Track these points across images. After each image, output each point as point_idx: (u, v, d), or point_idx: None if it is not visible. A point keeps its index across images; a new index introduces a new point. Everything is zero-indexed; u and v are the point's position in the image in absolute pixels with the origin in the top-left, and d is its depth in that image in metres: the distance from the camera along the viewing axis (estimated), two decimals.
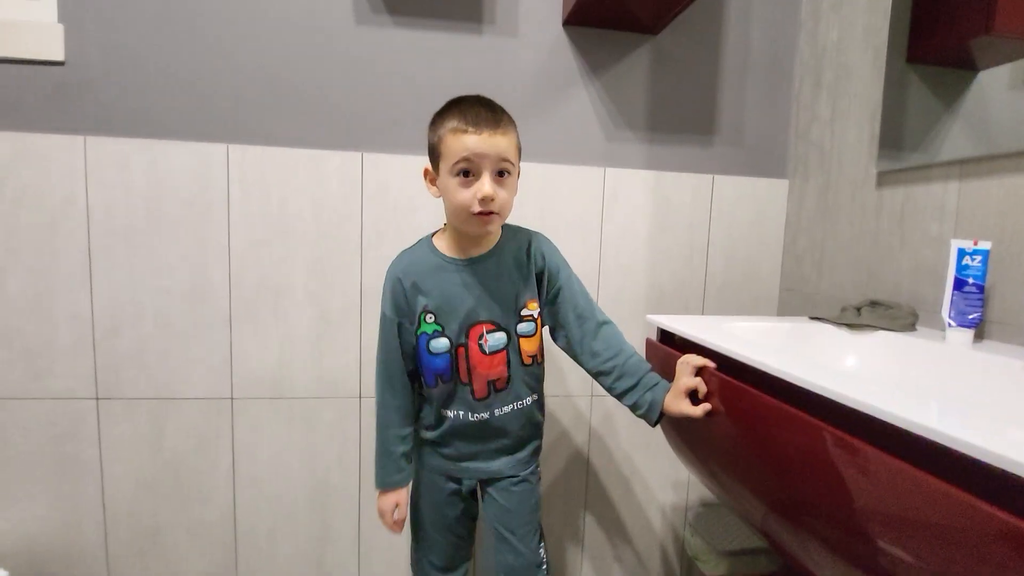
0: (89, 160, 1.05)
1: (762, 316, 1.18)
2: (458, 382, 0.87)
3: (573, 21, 1.15)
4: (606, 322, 0.89)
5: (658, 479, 1.31)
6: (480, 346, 0.86)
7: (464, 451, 0.91)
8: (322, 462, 1.18)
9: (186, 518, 1.15)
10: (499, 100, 0.80)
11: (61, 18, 1.03)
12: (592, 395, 1.26)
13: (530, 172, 1.16)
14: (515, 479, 0.93)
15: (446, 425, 0.89)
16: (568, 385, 1.25)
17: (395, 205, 1.14)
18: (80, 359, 1.08)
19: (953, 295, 0.79)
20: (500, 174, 0.79)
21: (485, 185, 0.77)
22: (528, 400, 0.91)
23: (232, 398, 1.13)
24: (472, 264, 0.86)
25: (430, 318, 0.86)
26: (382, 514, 0.91)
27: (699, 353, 0.78)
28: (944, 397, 0.71)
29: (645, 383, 0.83)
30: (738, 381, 0.68)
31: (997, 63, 0.82)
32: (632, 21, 1.14)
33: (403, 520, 0.91)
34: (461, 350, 0.86)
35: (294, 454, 1.17)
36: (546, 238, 0.92)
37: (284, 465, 1.17)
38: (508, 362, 0.87)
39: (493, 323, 0.86)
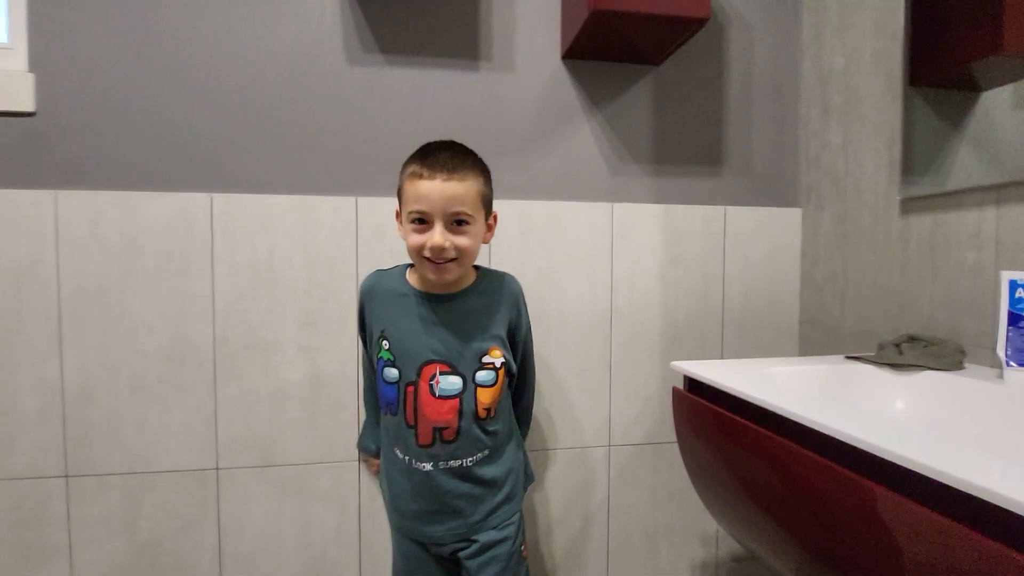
0: (60, 216, 0.97)
1: (793, 358, 1.11)
2: (403, 422, 0.82)
3: (572, 54, 1.11)
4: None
5: (685, 534, 1.21)
6: (430, 387, 0.80)
7: (411, 506, 0.84)
8: (319, 535, 1.07)
9: None
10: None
11: (32, 67, 0.97)
12: (609, 445, 1.17)
13: (534, 210, 1.11)
14: (474, 546, 0.84)
15: (397, 467, 0.85)
16: (584, 436, 1.16)
17: (392, 248, 1.07)
18: (47, 432, 0.98)
19: (1009, 331, 0.72)
20: (458, 223, 0.77)
21: (436, 235, 0.76)
22: (479, 456, 0.84)
23: (217, 468, 1.03)
24: (436, 301, 0.84)
25: (385, 344, 0.83)
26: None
27: (732, 404, 0.70)
28: (1012, 450, 0.64)
29: None
30: (781, 437, 0.62)
31: (1002, 83, 0.80)
32: (633, 53, 1.10)
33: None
34: (410, 388, 0.81)
35: (287, 528, 1.06)
36: (520, 287, 0.91)
37: (276, 541, 1.05)
38: (460, 411, 0.81)
39: (448, 365, 0.81)
